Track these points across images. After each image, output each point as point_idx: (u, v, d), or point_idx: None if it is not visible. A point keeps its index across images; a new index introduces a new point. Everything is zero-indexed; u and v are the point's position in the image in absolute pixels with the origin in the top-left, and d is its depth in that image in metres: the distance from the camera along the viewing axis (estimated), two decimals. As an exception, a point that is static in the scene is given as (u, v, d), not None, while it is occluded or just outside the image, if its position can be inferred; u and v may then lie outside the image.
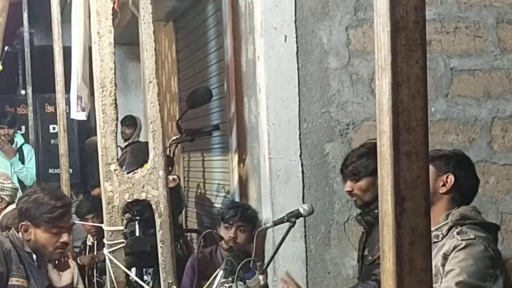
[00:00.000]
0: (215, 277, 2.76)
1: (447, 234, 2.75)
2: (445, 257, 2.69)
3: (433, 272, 2.68)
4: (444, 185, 2.86)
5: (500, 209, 4.39)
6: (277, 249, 3.60)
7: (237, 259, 2.85)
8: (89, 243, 6.11)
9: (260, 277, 2.53)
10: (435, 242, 2.76)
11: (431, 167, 2.81)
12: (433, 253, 2.75)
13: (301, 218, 3.81)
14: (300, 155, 4.33)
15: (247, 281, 2.83)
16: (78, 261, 5.42)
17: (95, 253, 5.93)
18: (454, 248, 2.67)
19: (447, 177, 2.87)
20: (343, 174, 3.78)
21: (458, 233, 2.71)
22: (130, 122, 7.92)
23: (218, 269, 2.78)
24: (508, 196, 4.40)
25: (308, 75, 4.34)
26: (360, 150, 3.72)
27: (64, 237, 3.41)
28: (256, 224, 4.44)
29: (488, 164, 4.42)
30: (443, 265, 2.68)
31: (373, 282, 3.44)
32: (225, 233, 4.20)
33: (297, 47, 4.33)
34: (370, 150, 3.68)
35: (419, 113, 1.12)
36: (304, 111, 4.33)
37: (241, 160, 5.15)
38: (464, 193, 2.93)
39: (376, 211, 3.62)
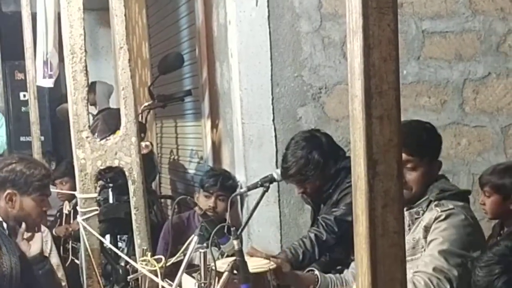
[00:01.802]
0: (189, 243, 2.76)
1: (427, 209, 2.78)
2: (426, 229, 2.72)
3: (411, 244, 2.72)
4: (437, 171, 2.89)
5: (472, 171, 4.43)
6: (251, 214, 3.61)
7: (211, 225, 2.85)
8: (65, 211, 6.07)
9: (235, 242, 2.53)
10: (416, 219, 2.79)
11: (417, 159, 2.82)
12: (414, 228, 2.78)
13: (275, 183, 3.82)
14: (273, 120, 4.32)
15: (221, 246, 2.84)
16: (54, 233, 5.40)
17: (71, 222, 5.90)
18: (435, 219, 2.70)
19: (439, 164, 2.90)
20: (288, 180, 3.72)
21: (436, 206, 2.74)
22: (89, 88, 7.84)
23: (193, 235, 2.77)
24: (480, 157, 4.44)
25: (280, 39, 4.32)
26: (297, 152, 3.62)
27: (47, 205, 3.45)
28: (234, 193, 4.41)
29: (460, 126, 4.45)
30: (425, 238, 2.71)
31: (312, 234, 3.51)
32: (205, 201, 4.18)
33: (269, 11, 4.30)
34: (306, 147, 3.63)
35: (390, 77, 1.12)
36: (276, 75, 4.32)
37: (214, 126, 5.14)
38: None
39: (330, 190, 3.62)
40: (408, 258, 2.78)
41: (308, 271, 3.10)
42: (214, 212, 4.08)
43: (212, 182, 4.26)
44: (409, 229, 2.79)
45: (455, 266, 2.61)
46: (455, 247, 2.63)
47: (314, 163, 3.58)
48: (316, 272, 3.03)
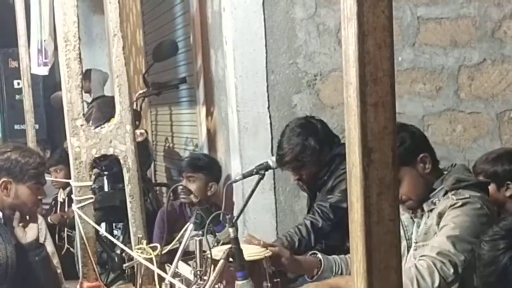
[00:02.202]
0: (185, 231, 2.76)
1: (443, 198, 2.76)
2: (440, 216, 2.69)
3: (424, 230, 2.71)
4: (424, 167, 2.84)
5: (467, 157, 4.43)
6: (247, 201, 3.61)
7: (206, 213, 2.84)
8: (60, 199, 6.08)
9: (230, 230, 2.52)
10: (432, 209, 2.78)
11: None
12: (428, 216, 2.77)
13: (270, 170, 3.82)
14: (268, 107, 4.32)
15: (217, 234, 2.84)
16: (49, 220, 5.40)
17: (66, 209, 5.90)
18: (450, 206, 2.67)
19: (423, 157, 2.84)
20: (284, 167, 3.72)
21: (453, 194, 2.71)
22: (84, 75, 7.83)
23: (188, 223, 2.77)
24: (475, 144, 4.44)
25: (274, 26, 4.31)
26: (293, 139, 3.62)
27: (42, 194, 3.45)
28: (211, 174, 4.43)
29: (455, 113, 4.45)
30: (438, 224, 2.69)
31: (307, 221, 3.53)
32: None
33: (263, -2, 4.28)
34: (302, 133, 3.63)
35: (385, 64, 1.11)
36: (271, 62, 4.31)
37: (209, 113, 5.14)
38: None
39: (325, 177, 3.63)
40: (419, 244, 2.78)
41: (311, 254, 3.11)
42: (187, 192, 4.10)
43: (183, 164, 4.34)
44: (428, 217, 2.78)
45: (463, 251, 2.58)
46: (466, 234, 2.59)
47: (310, 150, 3.58)
48: (319, 255, 3.03)
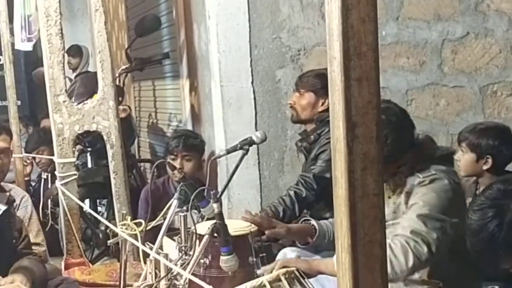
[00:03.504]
0: (169, 207, 2.75)
1: (409, 174, 2.75)
2: (408, 195, 2.70)
3: (392, 209, 2.71)
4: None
5: (450, 131, 4.44)
6: (231, 177, 3.61)
7: (190, 188, 2.84)
8: (44, 176, 6.05)
9: (215, 205, 2.52)
10: (399, 184, 2.76)
11: None
12: (396, 192, 2.77)
13: (254, 146, 3.82)
14: (252, 82, 4.30)
15: (201, 209, 2.84)
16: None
17: (49, 187, 5.88)
18: (418, 184, 2.67)
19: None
20: (298, 80, 3.85)
21: (418, 171, 2.72)
22: (75, 52, 7.79)
23: (172, 199, 2.77)
24: (458, 118, 4.45)
25: (258, 0, 4.28)
26: (320, 70, 3.77)
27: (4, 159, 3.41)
28: (202, 151, 4.45)
29: (439, 87, 4.45)
30: (406, 203, 2.69)
31: (291, 191, 3.60)
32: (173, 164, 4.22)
33: (246, -28, 4.25)
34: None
35: (369, 38, 1.10)
36: (254, 37, 4.29)
37: (193, 89, 5.12)
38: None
39: (312, 136, 3.68)
40: (389, 222, 2.77)
41: (304, 221, 3.12)
42: (182, 173, 4.11)
43: (175, 143, 4.34)
44: (394, 194, 2.78)
45: (434, 229, 2.59)
46: (435, 212, 2.61)
47: (319, 81, 3.69)
48: (313, 222, 3.02)
